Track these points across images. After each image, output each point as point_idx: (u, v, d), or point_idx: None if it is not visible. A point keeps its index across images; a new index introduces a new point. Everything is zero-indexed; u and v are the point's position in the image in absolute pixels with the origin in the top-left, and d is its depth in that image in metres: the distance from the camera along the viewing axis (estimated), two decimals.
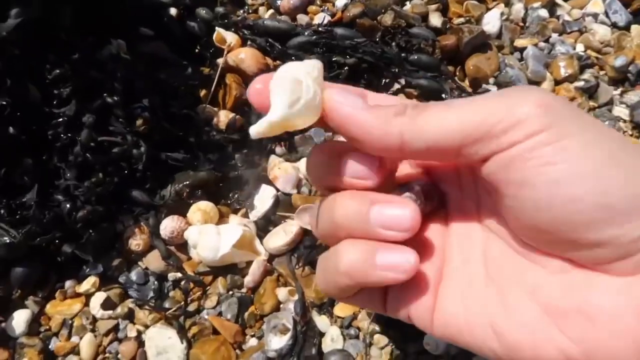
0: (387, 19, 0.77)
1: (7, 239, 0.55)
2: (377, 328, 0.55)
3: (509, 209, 0.29)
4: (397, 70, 0.76)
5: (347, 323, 0.56)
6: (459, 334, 0.32)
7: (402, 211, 0.31)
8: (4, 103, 0.55)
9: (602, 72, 0.82)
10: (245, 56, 0.70)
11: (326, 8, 0.80)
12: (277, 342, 0.55)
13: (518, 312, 0.29)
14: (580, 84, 0.78)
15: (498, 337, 0.30)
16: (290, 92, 0.30)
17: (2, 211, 0.55)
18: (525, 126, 0.27)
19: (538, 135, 0.27)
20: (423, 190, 0.34)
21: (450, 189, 0.36)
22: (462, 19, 0.83)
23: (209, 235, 0.59)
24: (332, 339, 0.56)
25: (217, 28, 0.73)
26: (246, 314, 0.58)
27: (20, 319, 0.57)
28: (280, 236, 0.63)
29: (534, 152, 0.27)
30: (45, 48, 0.57)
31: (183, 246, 0.63)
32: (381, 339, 0.55)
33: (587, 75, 0.79)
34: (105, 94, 0.60)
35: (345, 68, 0.72)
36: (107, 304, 0.58)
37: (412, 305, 0.33)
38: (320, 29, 0.73)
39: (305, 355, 0.55)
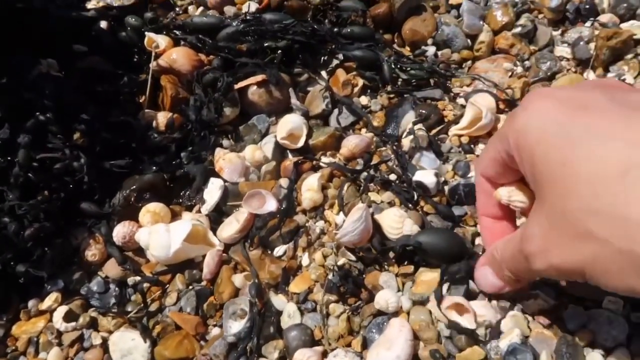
0: None
1: None
2: (332, 298, 0.56)
3: None
4: (333, 46, 0.76)
5: (302, 298, 0.57)
6: None
7: None
8: None
9: (541, 16, 0.82)
10: (177, 56, 0.71)
11: None
12: (236, 326, 0.56)
13: None
14: (518, 29, 0.78)
15: None
16: None
17: None
18: None
19: None
20: None
21: None
22: None
23: (158, 234, 0.60)
24: (289, 315, 0.56)
25: (146, 33, 0.73)
26: (205, 305, 0.59)
27: None
28: (233, 225, 0.63)
29: None
30: None
31: (140, 250, 0.64)
32: (337, 308, 0.55)
33: (523, 20, 0.79)
34: (37, 113, 0.61)
35: (279, 52, 0.73)
36: (69, 316, 0.59)
37: None
38: (248, 17, 0.74)
39: (264, 335, 0.55)
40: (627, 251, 0.29)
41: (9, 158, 0.60)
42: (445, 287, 0.53)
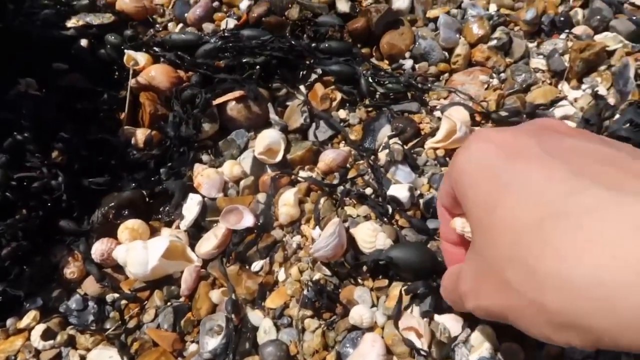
0: (294, 12, 0.79)
1: None
2: (307, 313, 0.56)
3: None
4: (311, 60, 0.77)
5: (278, 313, 0.57)
6: None
7: None
8: None
9: (517, 28, 0.83)
10: (156, 73, 0.72)
11: (232, 13, 0.81)
12: (213, 343, 0.56)
13: None
14: (493, 42, 0.79)
15: None
16: None
17: None
18: None
19: None
20: None
21: None
22: (370, 0, 0.84)
23: (135, 251, 0.60)
24: (265, 331, 0.56)
25: (126, 51, 0.74)
26: (183, 321, 0.59)
27: None
28: (211, 240, 0.64)
29: None
30: None
31: (119, 267, 0.64)
32: (312, 323, 0.55)
33: (498, 33, 0.80)
34: (15, 132, 0.61)
35: (257, 67, 0.73)
36: (47, 335, 0.59)
37: None
38: (226, 33, 0.75)
39: (240, 351, 0.56)
40: (538, 304, 0.30)
41: None
42: (409, 301, 0.54)
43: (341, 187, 0.66)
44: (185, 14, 0.81)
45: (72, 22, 0.76)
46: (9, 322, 0.61)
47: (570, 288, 0.28)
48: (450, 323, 0.50)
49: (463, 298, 0.39)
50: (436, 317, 0.52)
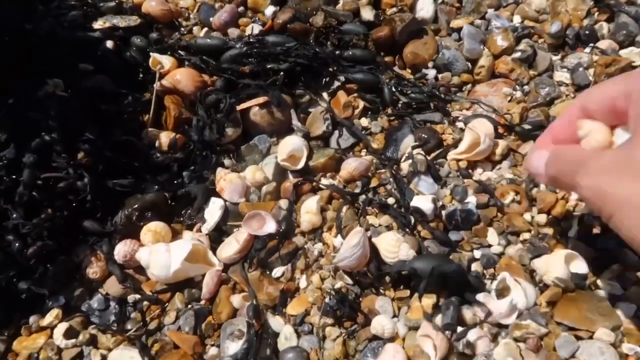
0: (318, 20, 0.79)
1: None
2: (328, 321, 0.56)
3: None
4: (334, 68, 0.77)
5: (299, 320, 0.58)
6: None
7: None
8: None
9: (541, 40, 0.83)
10: (181, 77, 0.73)
11: (257, 18, 0.82)
12: (234, 347, 0.57)
13: None
14: (517, 54, 0.79)
15: None
16: None
17: None
18: None
19: None
20: None
21: None
22: (394, 9, 0.84)
23: (159, 253, 0.61)
24: (285, 337, 0.57)
25: (151, 53, 0.75)
26: (203, 325, 0.60)
27: None
28: (233, 245, 0.64)
29: None
30: None
31: (141, 268, 0.64)
32: (333, 331, 0.56)
33: (522, 45, 0.80)
34: (42, 133, 0.62)
35: (281, 73, 0.74)
36: (69, 333, 0.60)
37: None
38: (251, 39, 0.75)
39: (261, 356, 0.56)
40: None
41: (14, 177, 0.61)
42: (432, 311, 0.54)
43: (363, 196, 0.66)
44: (211, 19, 0.81)
45: (98, 24, 0.77)
46: (32, 319, 0.62)
47: None
48: (475, 340, 0.50)
49: (582, 172, 0.40)
50: (459, 329, 0.52)
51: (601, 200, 0.37)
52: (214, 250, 0.65)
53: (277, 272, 0.62)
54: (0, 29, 0.62)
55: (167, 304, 0.63)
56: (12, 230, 0.60)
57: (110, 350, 0.60)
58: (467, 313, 0.54)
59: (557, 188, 0.53)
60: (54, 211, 0.63)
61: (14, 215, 0.60)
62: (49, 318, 0.61)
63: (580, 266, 0.54)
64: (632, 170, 0.36)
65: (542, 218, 0.61)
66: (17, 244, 0.59)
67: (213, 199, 0.68)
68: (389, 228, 0.62)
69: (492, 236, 0.61)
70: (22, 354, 0.60)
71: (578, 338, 0.50)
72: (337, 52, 0.77)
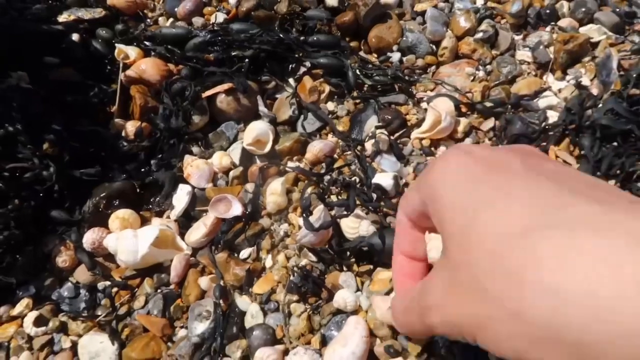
0: (282, 6, 0.80)
1: None
2: (293, 298, 0.57)
3: None
4: (300, 54, 0.78)
5: (265, 298, 0.58)
6: None
7: None
8: None
9: (503, 21, 0.84)
10: (146, 66, 0.73)
11: (221, 7, 0.82)
12: (201, 327, 0.57)
13: None
14: (480, 35, 0.80)
15: None
16: None
17: None
18: None
19: None
20: None
21: None
22: None
23: (126, 239, 0.62)
24: (252, 315, 0.58)
25: (117, 45, 0.75)
26: (172, 307, 0.61)
27: None
28: (200, 229, 0.65)
29: None
30: None
31: (111, 255, 0.65)
32: (298, 308, 0.57)
33: (484, 26, 0.81)
34: (6, 124, 0.62)
35: (246, 60, 0.75)
36: (39, 321, 0.61)
37: None
38: (215, 27, 0.76)
39: (228, 335, 0.57)
40: (518, 314, 0.28)
41: None
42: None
43: (328, 177, 0.67)
44: (176, 9, 0.82)
45: (63, 17, 0.77)
46: (1, 309, 0.62)
47: (559, 298, 0.26)
48: None
49: (427, 312, 0.36)
50: None
51: (457, 331, 0.34)
52: (182, 235, 0.66)
53: (244, 253, 0.63)
54: None
55: (136, 289, 0.63)
56: None
57: (80, 336, 0.60)
58: None
59: (413, 335, 0.49)
60: (20, 202, 0.63)
61: None
62: (19, 308, 0.62)
63: None
64: (465, 289, 0.32)
65: None
66: None
67: (181, 186, 0.69)
68: None
69: None
70: None
71: None
72: (301, 38, 0.78)
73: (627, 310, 0.23)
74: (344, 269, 0.59)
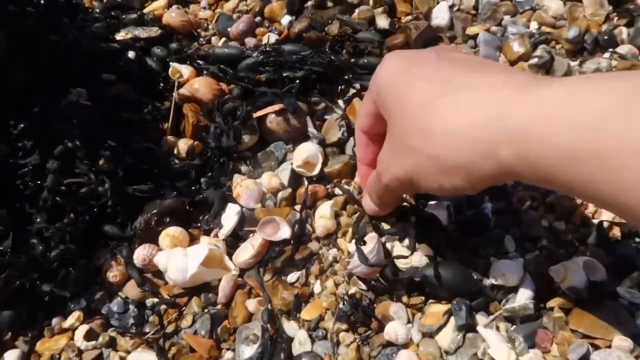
0: (334, 28, 0.80)
1: None
2: (342, 327, 0.57)
3: None
4: (350, 76, 0.78)
5: (313, 325, 0.58)
6: None
7: None
8: None
9: (558, 46, 0.82)
10: (199, 85, 0.74)
11: (273, 28, 0.83)
12: (249, 351, 0.57)
13: None
14: (534, 60, 0.79)
15: None
16: None
17: None
18: None
19: None
20: None
21: None
22: (410, 17, 0.84)
23: (176, 258, 0.62)
24: (300, 342, 0.57)
25: (171, 63, 0.77)
26: (219, 328, 0.61)
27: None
28: (248, 250, 0.65)
29: None
30: (4, 106, 0.62)
31: (159, 272, 0.66)
32: (347, 337, 0.56)
33: (539, 51, 0.79)
34: (65, 140, 0.64)
35: (297, 81, 0.75)
36: (90, 335, 0.62)
37: None
38: (267, 48, 0.77)
39: None
40: (433, 156, 0.41)
41: (38, 182, 0.63)
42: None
43: None
44: (229, 29, 0.83)
45: (120, 35, 0.79)
46: (54, 321, 0.64)
47: (455, 137, 0.39)
48: (495, 344, 0.50)
49: (381, 177, 0.49)
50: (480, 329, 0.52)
51: (402, 183, 0.47)
52: (230, 255, 0.66)
53: (292, 277, 0.63)
54: (27, 40, 0.64)
55: (184, 307, 0.64)
56: (36, 234, 0.62)
57: (128, 352, 0.61)
58: (481, 319, 0.54)
59: (385, 206, 0.59)
60: (76, 216, 0.64)
61: (38, 220, 0.62)
62: (70, 320, 0.63)
63: (599, 274, 0.53)
64: (398, 150, 0.46)
65: (560, 225, 0.60)
66: (40, 247, 0.60)
67: (230, 205, 0.69)
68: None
69: (509, 243, 0.60)
70: (44, 355, 0.62)
71: (595, 347, 0.49)
72: (352, 60, 0.78)
73: (475, 136, 0.38)
74: (394, 299, 0.58)
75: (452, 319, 0.54)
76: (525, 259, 0.58)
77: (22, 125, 0.64)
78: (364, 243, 0.58)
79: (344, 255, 0.63)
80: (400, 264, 0.58)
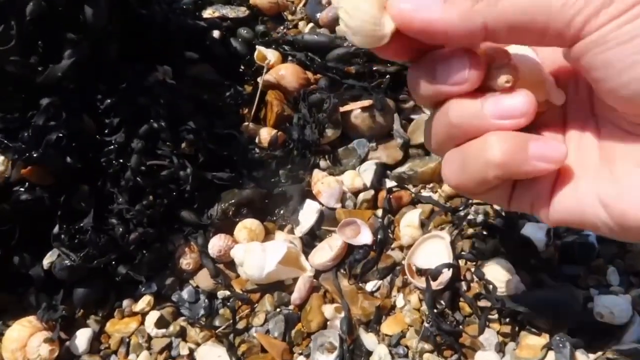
0: None
1: (67, 262, 0.58)
2: (426, 347, 0.53)
3: (605, 91, 0.29)
4: None
5: (395, 341, 0.55)
6: (570, 215, 0.32)
7: (514, 99, 0.31)
8: (61, 134, 0.58)
9: None
10: (286, 72, 0.71)
11: None
12: None
13: (625, 180, 0.29)
14: None
15: (606, 209, 0.30)
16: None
17: (63, 236, 0.59)
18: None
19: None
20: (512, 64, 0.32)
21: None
22: None
23: (254, 253, 0.60)
24: (379, 357, 0.54)
25: (257, 46, 0.74)
26: (293, 331, 0.58)
27: (82, 338, 0.60)
28: (326, 251, 0.62)
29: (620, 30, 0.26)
30: (95, 79, 0.60)
31: (232, 264, 0.64)
32: (431, 358, 0.53)
33: None
34: (151, 120, 0.62)
35: (387, 76, 0.71)
36: (160, 323, 0.60)
37: (536, 195, 0.33)
38: None
39: None
40: None
41: (121, 161, 0.62)
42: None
43: (462, 213, 0.62)
44: (317, 15, 0.79)
45: (207, 13, 0.77)
46: (125, 303, 0.63)
47: None
48: None
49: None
50: None
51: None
52: (305, 254, 0.63)
53: (371, 285, 0.60)
54: (122, 11, 0.62)
55: (256, 304, 0.62)
56: (117, 214, 0.60)
57: (198, 344, 0.59)
58: (581, 357, 0.50)
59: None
60: (154, 199, 0.63)
61: (119, 200, 0.60)
62: (141, 304, 0.62)
63: None
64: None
65: None
66: (120, 229, 0.59)
67: (308, 202, 0.66)
68: (496, 254, 0.58)
69: (612, 275, 0.55)
70: (114, 336, 0.61)
71: None
72: None
73: None
74: (487, 325, 0.54)
75: (551, 354, 0.50)
76: (630, 295, 0.53)
77: (108, 101, 0.62)
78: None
79: None
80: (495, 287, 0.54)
